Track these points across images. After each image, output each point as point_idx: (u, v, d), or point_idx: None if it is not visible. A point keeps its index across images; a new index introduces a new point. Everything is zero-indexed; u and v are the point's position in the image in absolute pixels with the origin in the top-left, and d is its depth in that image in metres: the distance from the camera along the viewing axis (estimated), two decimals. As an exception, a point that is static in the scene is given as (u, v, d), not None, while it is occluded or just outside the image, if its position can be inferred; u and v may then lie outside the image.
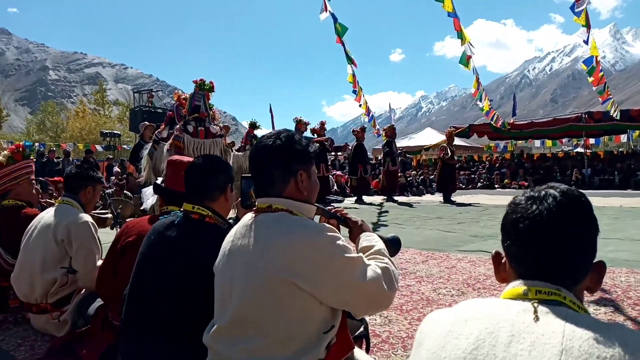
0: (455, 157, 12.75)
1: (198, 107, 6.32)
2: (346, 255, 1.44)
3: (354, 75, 11.94)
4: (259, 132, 10.63)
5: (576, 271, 0.97)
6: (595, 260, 1.00)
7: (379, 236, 1.80)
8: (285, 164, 1.55)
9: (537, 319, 0.88)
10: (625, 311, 3.19)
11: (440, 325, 0.98)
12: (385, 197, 13.13)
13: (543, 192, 1.00)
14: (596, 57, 9.87)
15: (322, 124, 12.82)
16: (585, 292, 1.02)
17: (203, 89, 6.37)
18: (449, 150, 12.66)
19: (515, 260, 1.01)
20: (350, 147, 13.60)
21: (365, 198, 12.83)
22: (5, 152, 3.57)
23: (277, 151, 1.55)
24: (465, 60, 10.14)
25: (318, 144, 11.56)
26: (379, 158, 21.76)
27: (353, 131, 13.23)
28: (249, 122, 10.80)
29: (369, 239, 1.73)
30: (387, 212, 10.06)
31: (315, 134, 12.47)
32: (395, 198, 13.02)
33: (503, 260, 1.07)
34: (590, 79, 10.17)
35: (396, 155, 13.07)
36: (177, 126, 6.37)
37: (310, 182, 1.61)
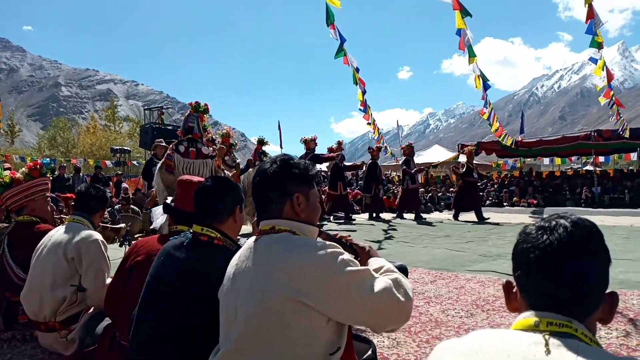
0: (475, 175, 12.52)
1: (192, 128, 6.56)
2: (350, 269, 1.44)
3: (363, 93, 11.99)
4: (267, 149, 10.73)
5: (588, 302, 0.97)
6: (607, 291, 0.99)
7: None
8: (280, 187, 1.59)
9: (548, 352, 0.87)
10: (638, 336, 3.13)
11: (451, 356, 0.97)
12: (395, 215, 13.10)
13: (554, 222, 1.00)
14: (608, 76, 9.84)
15: (340, 143, 13.10)
16: (598, 323, 1.00)
17: (198, 110, 6.64)
18: (465, 167, 12.54)
19: (526, 290, 1.01)
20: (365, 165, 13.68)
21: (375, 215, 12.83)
22: (24, 169, 3.64)
23: (273, 175, 1.60)
24: (485, 78, 10.18)
25: (333, 162, 11.90)
26: (385, 174, 21.76)
27: (369, 149, 13.33)
28: (257, 138, 10.92)
29: (377, 262, 1.72)
30: (395, 229, 10.01)
31: (331, 152, 12.72)
32: (405, 215, 12.94)
33: (514, 290, 1.06)
34: (603, 100, 10.18)
35: (413, 173, 12.91)
36: (171, 145, 6.62)
37: (308, 205, 1.61)
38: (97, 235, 3.01)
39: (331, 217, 12.23)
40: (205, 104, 6.73)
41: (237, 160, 10.09)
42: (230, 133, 10.23)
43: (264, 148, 10.70)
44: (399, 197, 13.65)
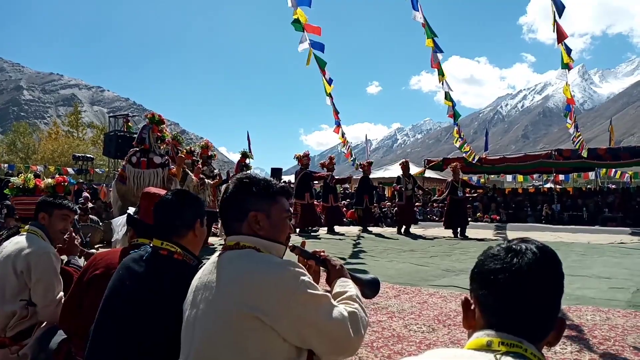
0: (460, 193, 12.58)
1: (144, 139, 6.83)
2: (310, 291, 1.45)
3: (334, 107, 12.10)
4: (235, 159, 10.75)
5: (545, 325, 1.01)
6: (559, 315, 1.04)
7: (358, 277, 1.82)
8: (237, 206, 1.62)
9: (499, 370, 0.89)
10: (591, 350, 3.23)
11: (405, 375, 0.99)
12: (404, 230, 12.98)
13: (522, 247, 1.05)
14: (568, 98, 10.21)
15: (331, 159, 13.40)
16: (545, 346, 1.05)
17: (152, 122, 6.91)
18: (450, 185, 12.64)
19: (488, 309, 1.04)
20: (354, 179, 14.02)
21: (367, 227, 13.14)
22: (50, 180, 3.45)
23: (231, 194, 1.64)
24: (450, 97, 10.48)
25: (325, 177, 12.51)
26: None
27: (360, 164, 13.70)
28: (241, 151, 11.09)
29: (343, 284, 1.72)
30: (360, 243, 10.05)
31: (324, 168, 13.15)
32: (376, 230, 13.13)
33: (472, 307, 1.08)
34: (568, 123, 10.58)
35: (403, 189, 12.72)
36: (126, 157, 6.90)
37: (270, 221, 1.62)
38: (49, 248, 2.87)
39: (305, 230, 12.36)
40: (159, 115, 7.07)
41: (216, 171, 10.04)
42: (209, 145, 10.23)
43: (247, 161, 10.78)
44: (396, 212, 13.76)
